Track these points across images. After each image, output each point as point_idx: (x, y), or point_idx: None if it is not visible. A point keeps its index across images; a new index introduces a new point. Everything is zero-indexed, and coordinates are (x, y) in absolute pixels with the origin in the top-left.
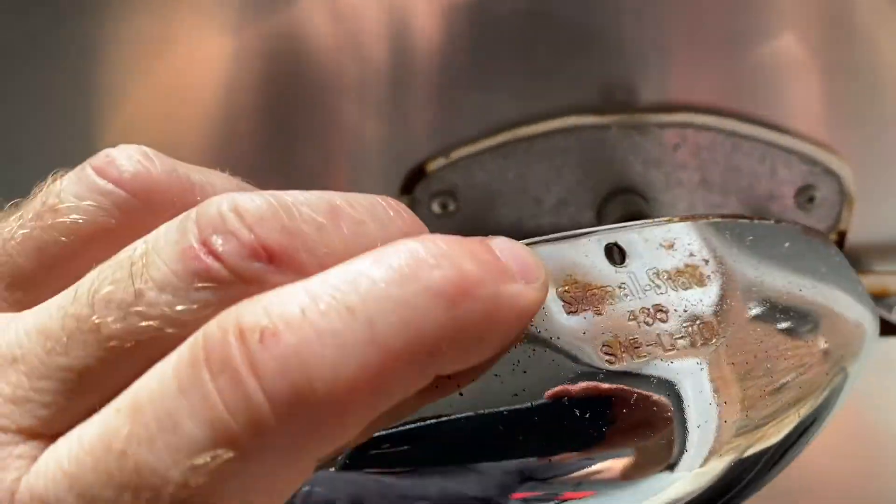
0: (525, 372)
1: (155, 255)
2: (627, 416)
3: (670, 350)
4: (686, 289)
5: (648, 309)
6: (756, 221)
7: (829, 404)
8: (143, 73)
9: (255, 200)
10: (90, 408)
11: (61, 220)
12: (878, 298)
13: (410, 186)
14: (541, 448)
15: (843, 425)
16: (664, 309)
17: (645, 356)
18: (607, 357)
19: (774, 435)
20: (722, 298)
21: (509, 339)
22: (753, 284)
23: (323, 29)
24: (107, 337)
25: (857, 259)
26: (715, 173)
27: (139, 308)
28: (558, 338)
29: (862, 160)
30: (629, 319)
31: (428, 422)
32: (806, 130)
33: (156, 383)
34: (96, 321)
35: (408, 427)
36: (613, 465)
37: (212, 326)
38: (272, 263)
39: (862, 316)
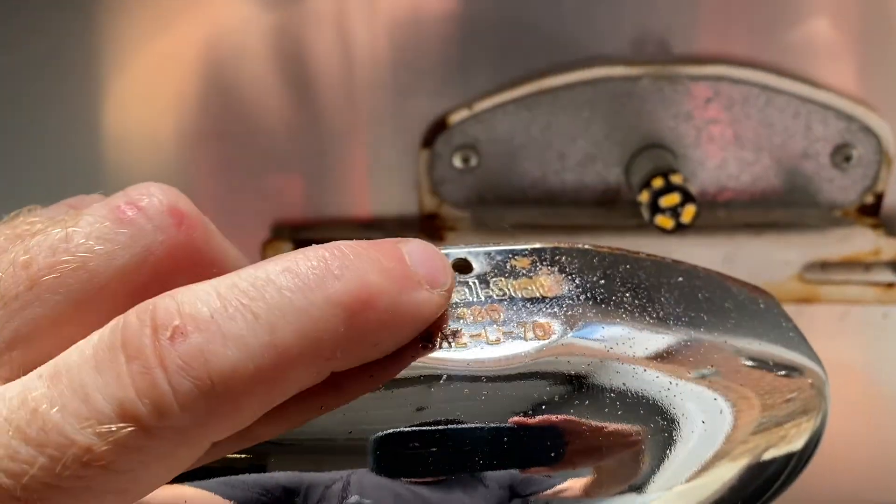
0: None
1: (89, 218)
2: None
3: (494, 342)
4: (528, 297)
5: (481, 309)
6: (644, 256)
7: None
8: (147, 42)
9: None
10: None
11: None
12: None
13: (431, 139)
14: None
15: (878, 401)
16: (497, 309)
17: (465, 344)
18: (423, 343)
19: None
20: (570, 306)
21: (403, 341)
22: (608, 299)
23: None
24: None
25: (894, 223)
26: (748, 129)
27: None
28: None
29: None
30: (458, 315)
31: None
32: (843, 86)
33: (76, 356)
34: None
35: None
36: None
37: (131, 316)
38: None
39: (788, 362)
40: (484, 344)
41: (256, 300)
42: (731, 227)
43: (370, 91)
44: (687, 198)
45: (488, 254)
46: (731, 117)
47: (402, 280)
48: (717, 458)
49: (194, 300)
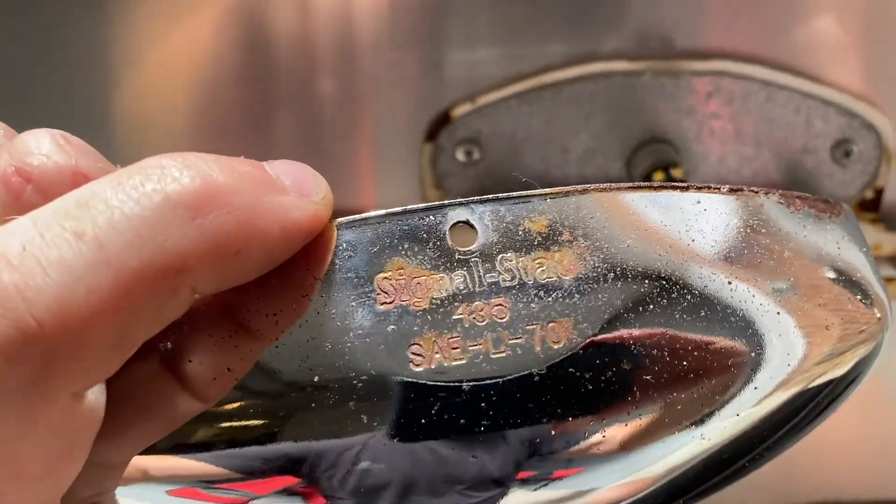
0: (314, 376)
1: None
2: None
3: (499, 352)
4: (544, 279)
5: (484, 302)
6: (694, 192)
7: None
8: (156, 41)
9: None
10: None
11: None
12: None
13: (435, 133)
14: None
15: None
16: (504, 304)
17: (461, 359)
18: (413, 357)
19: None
20: (596, 291)
21: (276, 254)
22: (656, 267)
23: None
24: None
25: (894, 218)
26: (748, 124)
27: None
28: (360, 333)
29: None
30: (455, 314)
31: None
32: (844, 81)
33: None
34: None
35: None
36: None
37: None
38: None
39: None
40: (485, 355)
41: (80, 218)
42: None
43: (374, 84)
44: None
45: (496, 212)
46: (732, 112)
47: (259, 183)
48: (777, 388)
49: (4, 236)
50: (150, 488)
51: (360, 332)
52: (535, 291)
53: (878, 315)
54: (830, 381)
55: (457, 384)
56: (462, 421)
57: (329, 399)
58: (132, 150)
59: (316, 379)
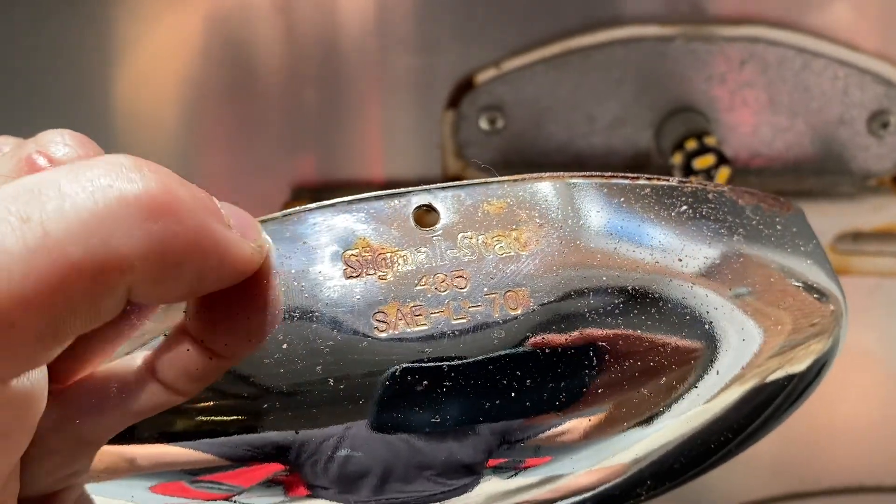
0: (284, 344)
1: None
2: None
3: (460, 318)
4: (502, 254)
5: (445, 274)
6: (644, 181)
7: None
8: (164, 8)
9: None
10: None
11: None
12: None
13: (457, 99)
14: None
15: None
16: (464, 275)
17: (424, 325)
18: (378, 324)
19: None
20: (551, 265)
21: (207, 282)
22: (607, 249)
23: None
24: None
25: None
26: (783, 93)
27: None
28: (328, 304)
29: None
30: (418, 284)
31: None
32: (883, 49)
33: None
34: None
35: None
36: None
37: None
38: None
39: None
40: (447, 321)
41: (29, 203)
42: None
43: (394, 49)
44: (721, 160)
45: (457, 197)
46: (767, 81)
47: (211, 210)
48: (733, 381)
49: None
50: (134, 485)
51: (327, 302)
52: (494, 264)
53: (832, 308)
54: (791, 377)
55: (417, 348)
56: (426, 405)
57: (302, 377)
58: (130, 141)
59: (288, 354)
